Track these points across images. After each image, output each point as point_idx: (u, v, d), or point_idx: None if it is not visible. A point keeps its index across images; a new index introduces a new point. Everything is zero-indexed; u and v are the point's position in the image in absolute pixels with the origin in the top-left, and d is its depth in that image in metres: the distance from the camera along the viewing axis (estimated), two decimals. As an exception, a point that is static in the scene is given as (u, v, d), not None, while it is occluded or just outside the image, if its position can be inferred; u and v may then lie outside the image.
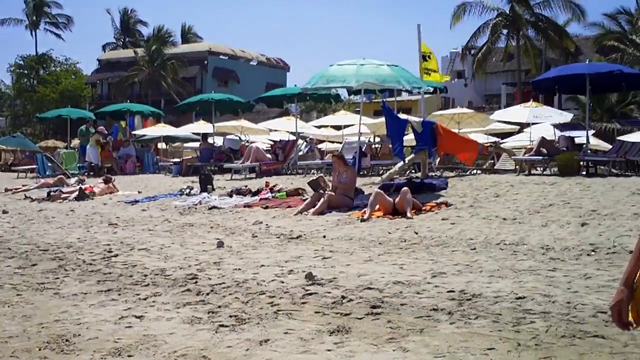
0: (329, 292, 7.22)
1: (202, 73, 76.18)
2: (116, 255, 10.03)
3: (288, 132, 29.16)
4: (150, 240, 11.54)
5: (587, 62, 22.90)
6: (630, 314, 2.97)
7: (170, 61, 69.05)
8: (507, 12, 49.67)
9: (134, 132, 34.40)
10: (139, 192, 20.13)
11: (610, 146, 22.52)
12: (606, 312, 5.89)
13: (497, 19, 50.08)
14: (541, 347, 5.27)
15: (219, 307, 6.72)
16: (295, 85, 30.61)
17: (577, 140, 20.64)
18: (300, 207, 14.47)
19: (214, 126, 28.51)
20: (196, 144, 31.97)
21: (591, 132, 25.50)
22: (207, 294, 7.32)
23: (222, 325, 6.03)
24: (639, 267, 2.95)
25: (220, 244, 10.66)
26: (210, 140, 28.64)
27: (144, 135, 34.99)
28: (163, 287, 7.71)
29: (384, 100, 19.32)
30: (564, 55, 50.50)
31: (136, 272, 8.71)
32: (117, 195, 19.77)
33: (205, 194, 17.83)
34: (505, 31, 51.16)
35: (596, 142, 27.79)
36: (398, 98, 25.90)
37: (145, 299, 7.13)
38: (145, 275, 8.44)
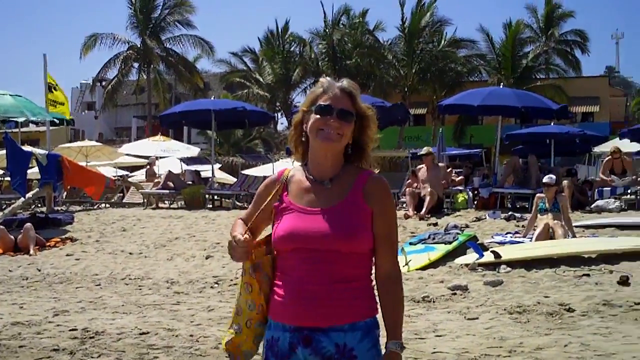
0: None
1: None
2: None
3: None
4: None
5: (213, 98, 23.86)
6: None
7: None
8: (139, 45, 50.03)
9: None
10: None
11: (236, 179, 23.53)
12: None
13: (128, 52, 50.22)
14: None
15: None
16: None
17: (203, 174, 21.42)
18: None
19: None
20: None
21: (217, 165, 26.63)
22: None
23: None
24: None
25: None
26: None
27: None
28: None
29: (7, 131, 18.48)
30: (193, 91, 52.10)
31: None
32: None
33: None
34: (136, 64, 51.44)
35: (222, 176, 28.90)
36: (24, 129, 24.93)
37: None
38: None
